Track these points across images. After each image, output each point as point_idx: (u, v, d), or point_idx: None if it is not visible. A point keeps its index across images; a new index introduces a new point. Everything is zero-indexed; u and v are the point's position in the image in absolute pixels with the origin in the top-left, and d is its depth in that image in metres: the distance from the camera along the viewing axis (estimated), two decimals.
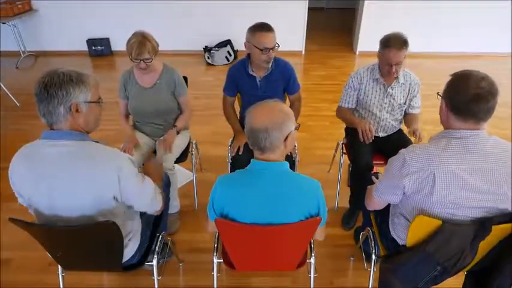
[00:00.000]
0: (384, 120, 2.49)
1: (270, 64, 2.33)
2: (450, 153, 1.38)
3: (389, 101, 2.42)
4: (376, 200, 1.64)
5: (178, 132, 2.45)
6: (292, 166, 2.42)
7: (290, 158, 2.40)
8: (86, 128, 1.46)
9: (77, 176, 1.38)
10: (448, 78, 1.46)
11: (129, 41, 2.21)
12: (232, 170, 2.51)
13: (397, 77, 2.35)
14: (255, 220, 1.42)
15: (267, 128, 1.35)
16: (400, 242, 1.63)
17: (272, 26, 2.26)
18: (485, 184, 1.37)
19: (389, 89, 2.39)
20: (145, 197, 1.57)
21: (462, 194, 1.38)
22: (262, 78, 2.42)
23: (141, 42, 2.18)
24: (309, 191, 1.45)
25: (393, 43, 2.16)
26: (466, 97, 1.35)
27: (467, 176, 1.36)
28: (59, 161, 1.37)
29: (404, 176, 1.43)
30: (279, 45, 2.27)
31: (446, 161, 1.37)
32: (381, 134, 2.54)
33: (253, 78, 2.42)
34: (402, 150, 1.48)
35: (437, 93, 1.54)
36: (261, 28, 2.21)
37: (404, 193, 1.49)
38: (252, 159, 1.46)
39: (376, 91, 2.42)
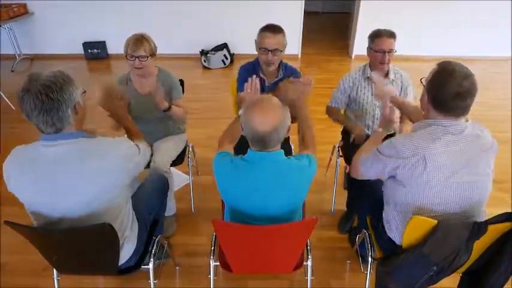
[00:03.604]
0: (378, 119, 2.51)
1: (271, 68, 2.30)
2: (434, 137, 1.45)
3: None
4: (363, 173, 1.72)
5: (169, 109, 2.29)
6: None
7: None
8: (83, 122, 1.48)
9: (82, 173, 1.38)
10: (434, 67, 1.52)
11: (127, 39, 2.21)
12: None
13: (387, 73, 2.40)
14: (255, 207, 1.47)
15: (277, 127, 1.38)
16: (397, 241, 1.64)
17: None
18: (466, 161, 1.45)
19: None
20: (145, 161, 1.67)
21: (450, 170, 1.44)
22: (271, 83, 2.38)
23: (138, 39, 2.19)
24: (304, 170, 1.53)
25: (383, 32, 2.28)
26: (447, 94, 1.42)
27: (453, 155, 1.44)
28: (61, 161, 1.37)
29: (392, 160, 1.51)
30: (281, 51, 2.23)
31: (433, 143, 1.44)
32: None
33: (262, 82, 2.38)
34: (392, 139, 1.57)
35: (421, 79, 1.59)
36: (266, 28, 2.21)
37: (396, 179, 1.55)
38: (249, 150, 1.48)
39: (368, 90, 2.45)
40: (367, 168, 1.67)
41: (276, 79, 2.37)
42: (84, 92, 1.47)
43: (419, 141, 1.46)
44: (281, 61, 2.36)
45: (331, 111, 2.64)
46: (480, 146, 1.47)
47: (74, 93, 1.36)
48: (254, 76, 1.92)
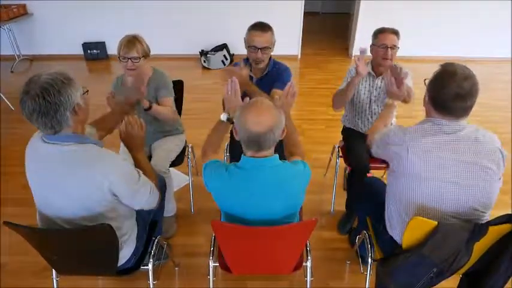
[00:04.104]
0: (376, 114, 2.51)
1: (261, 65, 2.31)
2: (426, 133, 1.48)
3: (379, 94, 2.46)
4: (377, 152, 1.78)
5: (149, 108, 2.20)
6: None
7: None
8: (84, 123, 1.47)
9: (71, 178, 1.38)
10: (436, 67, 1.53)
11: (120, 40, 2.21)
12: (231, 159, 2.51)
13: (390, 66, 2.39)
14: (251, 213, 1.45)
15: (272, 128, 1.37)
16: (397, 240, 1.64)
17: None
18: (458, 162, 1.45)
19: (377, 81, 2.43)
20: (142, 198, 1.56)
21: (437, 168, 1.45)
22: (257, 79, 2.41)
23: (130, 41, 2.18)
24: (299, 174, 1.51)
25: (386, 29, 2.33)
26: (447, 95, 1.43)
27: (441, 153, 1.45)
28: (55, 160, 1.38)
29: (386, 145, 1.62)
30: (270, 48, 2.25)
31: (421, 138, 1.47)
32: None
33: (250, 78, 2.41)
34: (391, 127, 1.66)
35: (424, 80, 1.61)
36: (255, 26, 2.23)
37: (392, 169, 1.60)
38: (243, 157, 1.46)
39: (366, 82, 2.46)
40: (376, 148, 1.75)
41: (262, 74, 2.40)
42: (86, 92, 1.45)
43: (409, 133, 1.52)
44: (270, 57, 2.37)
45: (336, 93, 2.49)
46: (477, 150, 1.45)
47: (73, 95, 1.34)
48: (234, 78, 1.82)
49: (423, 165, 1.46)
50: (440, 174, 1.45)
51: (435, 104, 1.49)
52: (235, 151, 2.45)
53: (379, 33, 2.33)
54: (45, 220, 1.49)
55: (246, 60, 2.41)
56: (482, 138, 1.47)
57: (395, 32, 2.32)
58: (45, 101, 1.28)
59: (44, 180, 1.41)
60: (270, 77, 2.40)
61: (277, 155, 1.48)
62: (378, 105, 2.50)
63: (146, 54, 2.25)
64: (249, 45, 2.25)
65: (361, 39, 6.06)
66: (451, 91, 1.41)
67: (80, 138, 1.43)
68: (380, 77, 2.43)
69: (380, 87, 2.45)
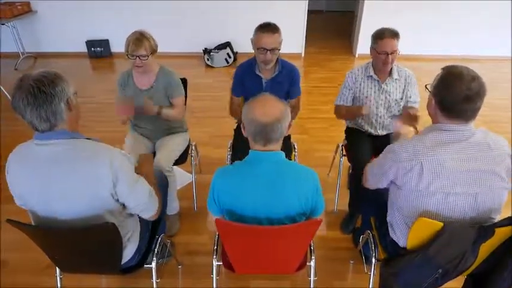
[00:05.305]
0: (381, 117, 2.49)
1: (270, 66, 2.32)
2: (438, 143, 1.43)
3: (385, 97, 2.43)
4: (370, 182, 1.73)
5: (159, 113, 2.32)
6: None
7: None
8: (78, 122, 1.46)
9: (72, 176, 1.36)
10: (436, 66, 1.50)
11: (127, 38, 2.21)
12: (234, 158, 2.51)
13: (391, 71, 2.38)
14: (254, 208, 1.44)
15: (279, 119, 1.38)
16: (400, 244, 1.63)
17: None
18: (469, 170, 1.41)
19: (383, 85, 2.41)
20: (140, 195, 1.54)
21: (450, 179, 1.41)
22: (268, 79, 2.41)
23: (137, 38, 2.18)
24: (305, 174, 1.49)
25: (386, 33, 2.24)
26: (455, 98, 1.39)
27: (454, 163, 1.40)
28: (53, 161, 1.36)
29: (392, 164, 1.50)
30: (279, 49, 2.26)
31: (434, 150, 1.41)
32: (380, 132, 2.54)
33: (260, 79, 2.42)
34: (394, 143, 1.56)
35: (426, 86, 1.57)
36: (263, 28, 2.22)
37: (396, 184, 1.54)
38: (250, 151, 1.47)
39: (371, 88, 2.43)
40: (372, 175, 1.68)
41: (273, 75, 2.41)
42: (75, 93, 1.45)
43: (419, 146, 1.44)
44: (277, 57, 2.37)
45: (338, 110, 2.57)
46: (489, 156, 1.42)
47: (66, 88, 1.35)
48: None
49: (436, 180, 1.41)
50: (452, 187, 1.41)
51: (443, 108, 1.44)
52: (238, 149, 2.44)
53: (379, 38, 2.24)
54: (41, 221, 1.47)
55: (254, 60, 2.40)
56: (493, 143, 1.43)
57: (395, 35, 2.22)
58: (40, 91, 1.28)
59: (44, 187, 1.37)
60: (280, 77, 2.41)
61: (283, 152, 1.47)
62: (384, 108, 2.47)
63: (154, 51, 2.26)
64: (258, 47, 2.23)
65: (365, 38, 5.99)
66: (460, 93, 1.37)
67: (76, 134, 1.42)
68: (385, 81, 2.40)
69: (387, 91, 2.42)
